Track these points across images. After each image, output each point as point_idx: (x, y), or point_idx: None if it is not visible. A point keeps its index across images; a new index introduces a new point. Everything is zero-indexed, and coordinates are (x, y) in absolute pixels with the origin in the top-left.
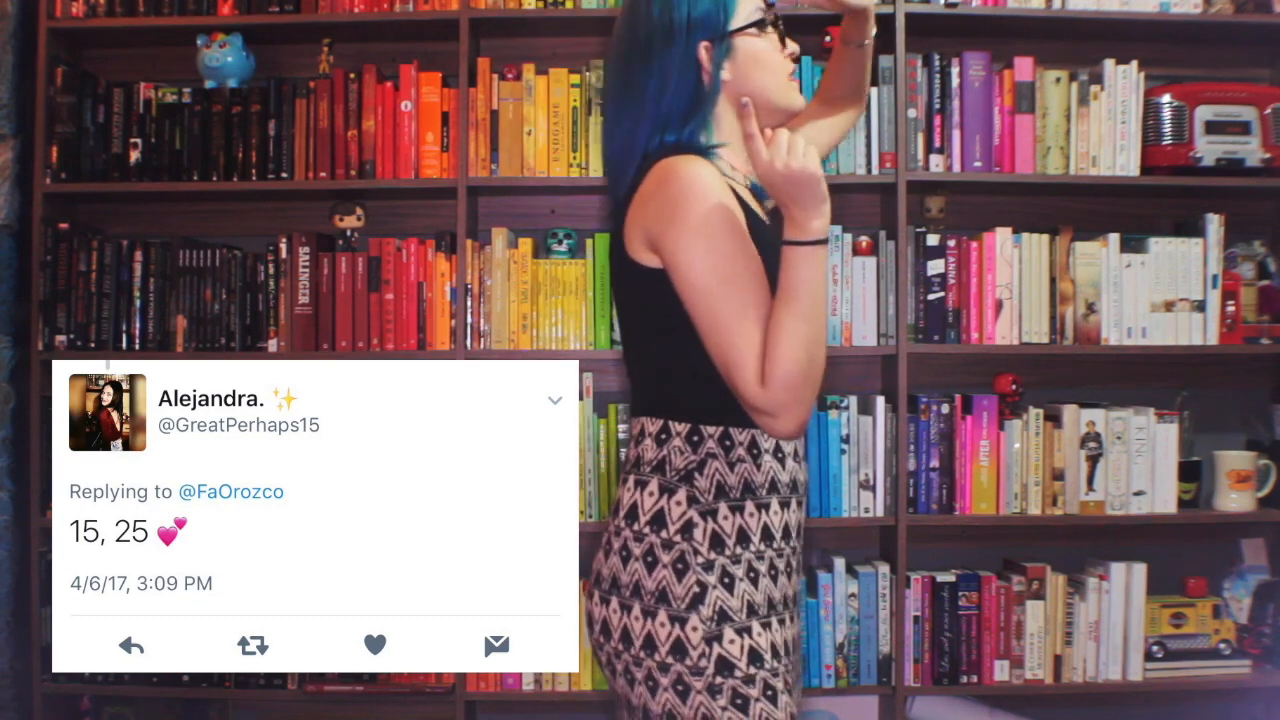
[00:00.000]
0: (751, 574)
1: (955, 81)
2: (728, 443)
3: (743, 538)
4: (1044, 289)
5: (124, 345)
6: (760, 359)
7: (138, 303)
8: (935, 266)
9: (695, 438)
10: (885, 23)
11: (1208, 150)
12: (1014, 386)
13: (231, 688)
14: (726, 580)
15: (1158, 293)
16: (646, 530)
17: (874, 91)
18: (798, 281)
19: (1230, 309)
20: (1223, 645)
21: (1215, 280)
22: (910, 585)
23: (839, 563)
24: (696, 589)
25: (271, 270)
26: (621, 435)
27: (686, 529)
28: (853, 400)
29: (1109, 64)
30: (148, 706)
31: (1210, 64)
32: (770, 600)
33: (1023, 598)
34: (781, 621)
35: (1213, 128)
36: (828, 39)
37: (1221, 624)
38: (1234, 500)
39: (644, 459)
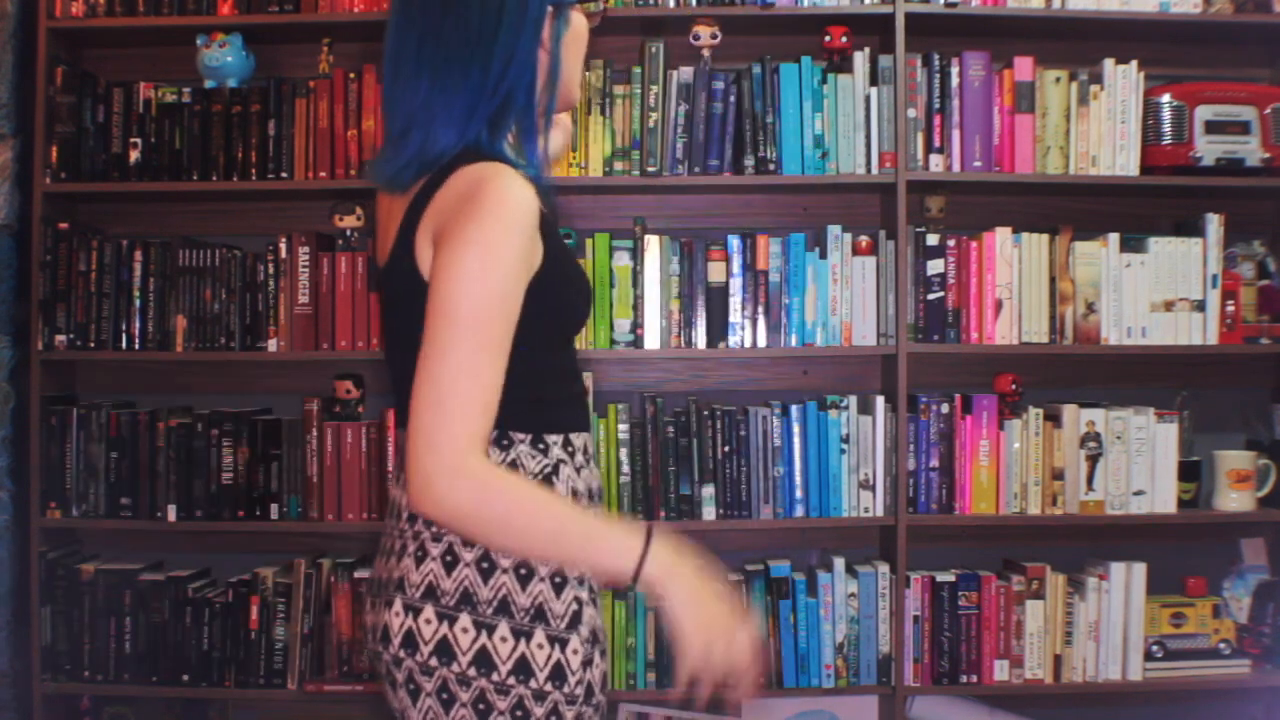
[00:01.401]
0: (557, 577)
1: (955, 81)
2: (540, 445)
3: None
4: (1044, 289)
5: (124, 345)
6: (473, 419)
7: (137, 303)
8: (935, 266)
9: (505, 442)
10: (885, 23)
11: (1207, 150)
12: (1014, 386)
13: (231, 688)
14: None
15: (1158, 292)
16: (443, 531)
17: (874, 91)
18: (579, 539)
19: (1230, 309)
20: (1222, 645)
21: (1215, 280)
22: (910, 585)
23: (839, 562)
24: (501, 589)
25: (271, 270)
26: (622, 435)
27: None
28: (852, 400)
29: (1109, 64)
30: (148, 706)
31: (1210, 64)
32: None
33: (1023, 597)
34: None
35: (1212, 127)
36: (827, 38)
37: (1221, 624)
38: (1234, 500)
39: None
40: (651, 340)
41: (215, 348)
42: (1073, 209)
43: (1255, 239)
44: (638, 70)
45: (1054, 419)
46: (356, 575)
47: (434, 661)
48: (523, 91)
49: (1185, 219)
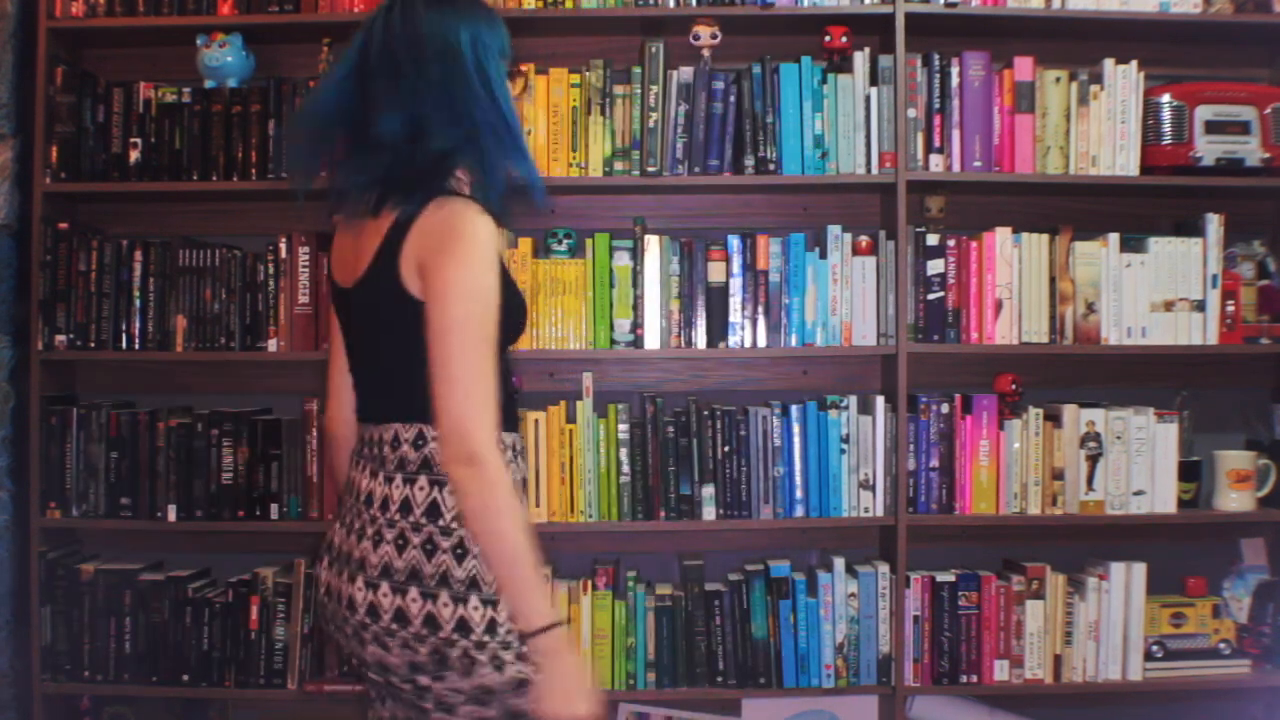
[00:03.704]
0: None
1: (955, 81)
2: (512, 445)
3: None
4: (1044, 289)
5: (124, 345)
6: (483, 404)
7: (137, 302)
8: (935, 266)
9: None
10: (885, 23)
11: (1207, 150)
12: (1014, 386)
13: (231, 688)
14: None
15: (1157, 292)
16: (424, 521)
17: (874, 91)
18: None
19: (1230, 309)
20: (1222, 645)
21: (1215, 280)
22: (910, 585)
23: (839, 562)
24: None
25: (271, 270)
26: (622, 435)
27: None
28: (852, 400)
29: (1109, 64)
30: (148, 706)
31: (1210, 64)
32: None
33: (1022, 597)
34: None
35: (1212, 127)
36: (827, 38)
37: (1221, 624)
38: (1234, 500)
39: (408, 459)
40: (651, 340)
41: (215, 348)
42: (1073, 209)
43: (1255, 239)
44: (638, 70)
45: (1054, 419)
46: None
47: (424, 630)
48: (508, 142)
49: (1185, 219)
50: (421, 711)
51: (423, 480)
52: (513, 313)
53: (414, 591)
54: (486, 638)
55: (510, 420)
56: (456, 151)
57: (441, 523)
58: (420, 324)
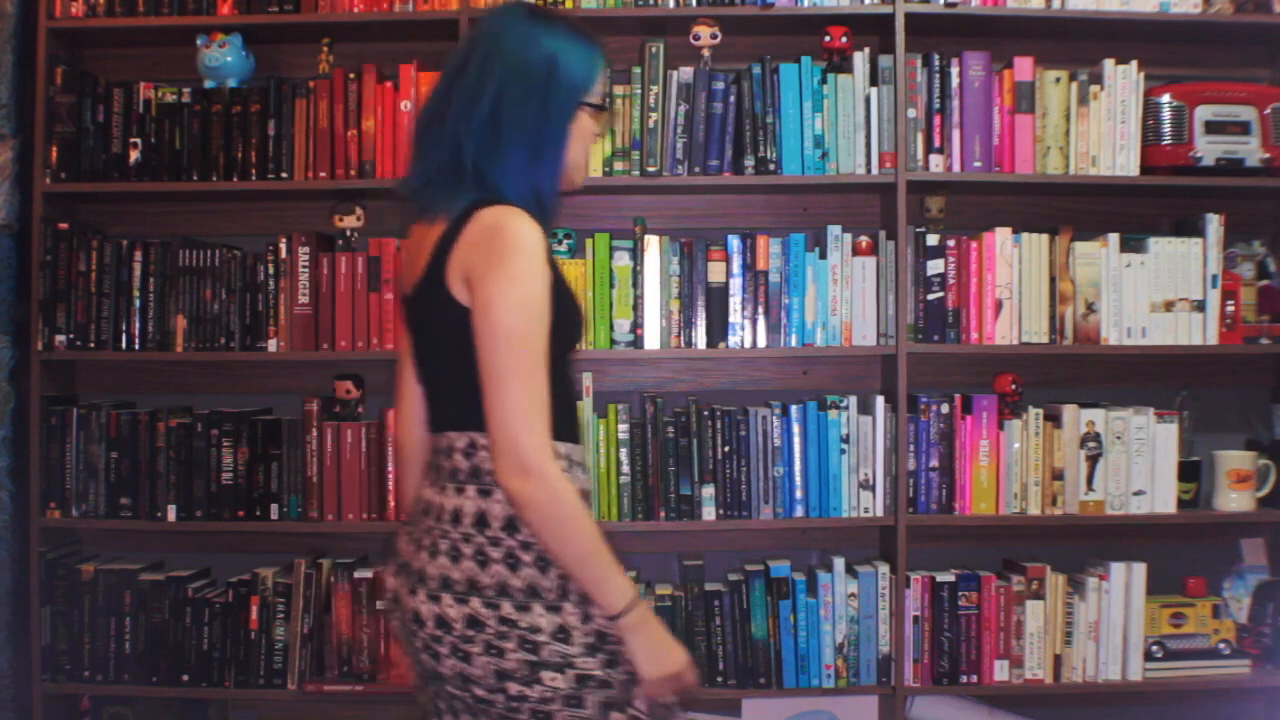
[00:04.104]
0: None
1: (955, 81)
2: (570, 453)
3: None
4: (1044, 289)
5: (124, 345)
6: (534, 416)
7: (137, 303)
8: (935, 266)
9: (560, 444)
10: (885, 23)
11: (1207, 150)
12: (1014, 386)
13: (231, 688)
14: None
15: (1157, 293)
16: (472, 531)
17: (874, 91)
18: (602, 590)
19: (1230, 309)
20: (1222, 645)
21: (1215, 280)
22: (910, 585)
23: (839, 562)
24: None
25: (271, 270)
26: (621, 435)
27: (510, 527)
28: (852, 400)
29: (1109, 64)
30: (148, 706)
31: (1210, 64)
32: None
33: (1022, 598)
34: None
35: (1212, 128)
36: (827, 38)
37: (1221, 624)
38: (1234, 500)
39: (459, 469)
40: (651, 340)
41: (215, 348)
42: (1073, 209)
43: (1255, 239)
44: (638, 70)
45: (1054, 419)
46: (356, 575)
47: (504, 629)
48: (550, 163)
49: (1185, 219)
50: None
51: (471, 490)
52: (566, 319)
53: (476, 601)
54: (555, 643)
55: (569, 430)
56: (493, 163)
57: (489, 533)
58: (468, 332)
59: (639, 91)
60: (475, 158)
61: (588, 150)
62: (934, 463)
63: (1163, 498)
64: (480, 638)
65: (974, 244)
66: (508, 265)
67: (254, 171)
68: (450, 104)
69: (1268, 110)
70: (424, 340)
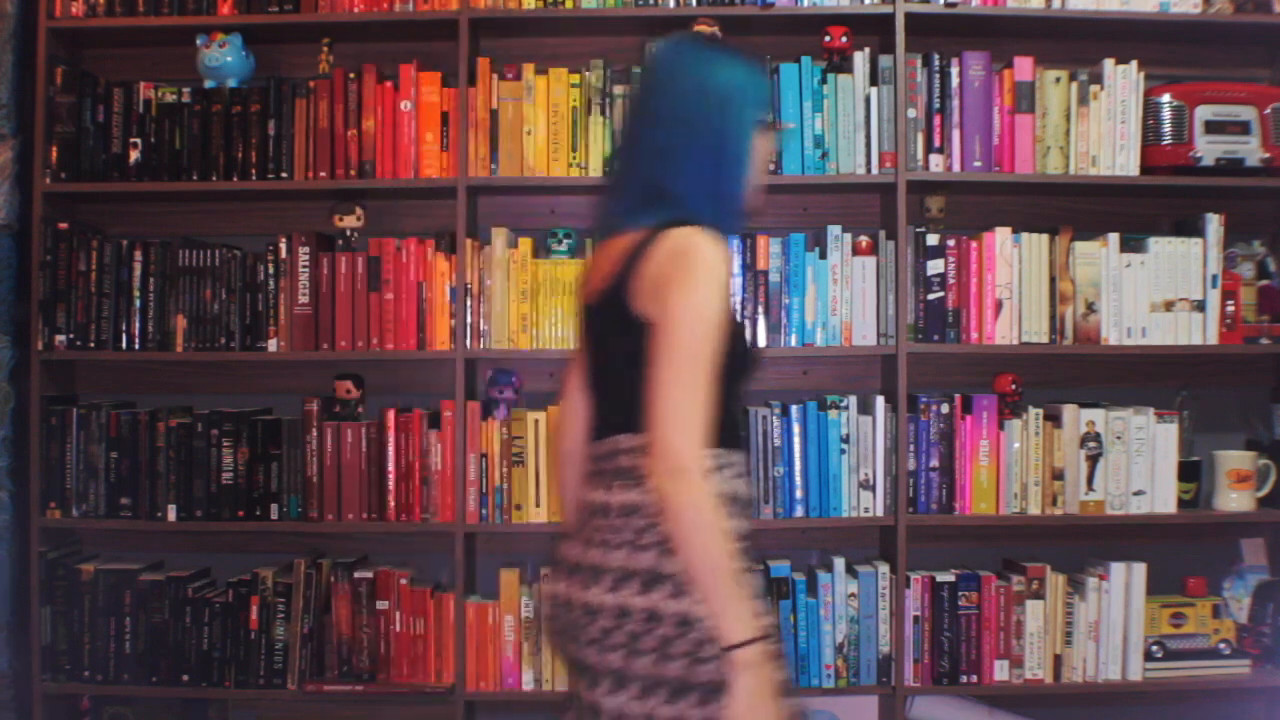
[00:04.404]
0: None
1: (955, 81)
2: (721, 460)
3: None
4: (1044, 289)
5: (124, 345)
6: (691, 423)
7: (137, 303)
8: (935, 266)
9: (721, 450)
10: (885, 23)
11: (1207, 150)
12: (1014, 386)
13: (231, 688)
14: None
15: (1157, 293)
16: (644, 525)
17: (874, 91)
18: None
19: (1230, 309)
20: (1222, 645)
21: (1215, 280)
22: (910, 585)
23: (839, 562)
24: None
25: (271, 270)
26: None
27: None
28: (852, 400)
29: (1109, 64)
30: (148, 706)
31: (1210, 64)
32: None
33: (1022, 598)
34: None
35: (1212, 127)
36: (827, 38)
37: (1221, 624)
38: (1234, 500)
39: (624, 469)
40: None
41: (215, 348)
42: (1073, 209)
43: (1255, 239)
44: (638, 70)
45: (1054, 419)
46: (356, 575)
47: (675, 631)
48: (730, 186)
49: (1185, 219)
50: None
51: (635, 487)
52: (738, 342)
53: (660, 593)
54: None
55: (734, 438)
56: (682, 182)
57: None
58: (641, 342)
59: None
60: (665, 178)
61: (764, 165)
62: (934, 463)
63: (1163, 498)
64: (659, 631)
65: (974, 244)
66: (691, 280)
67: (254, 171)
68: (638, 130)
69: (1268, 110)
70: (599, 349)
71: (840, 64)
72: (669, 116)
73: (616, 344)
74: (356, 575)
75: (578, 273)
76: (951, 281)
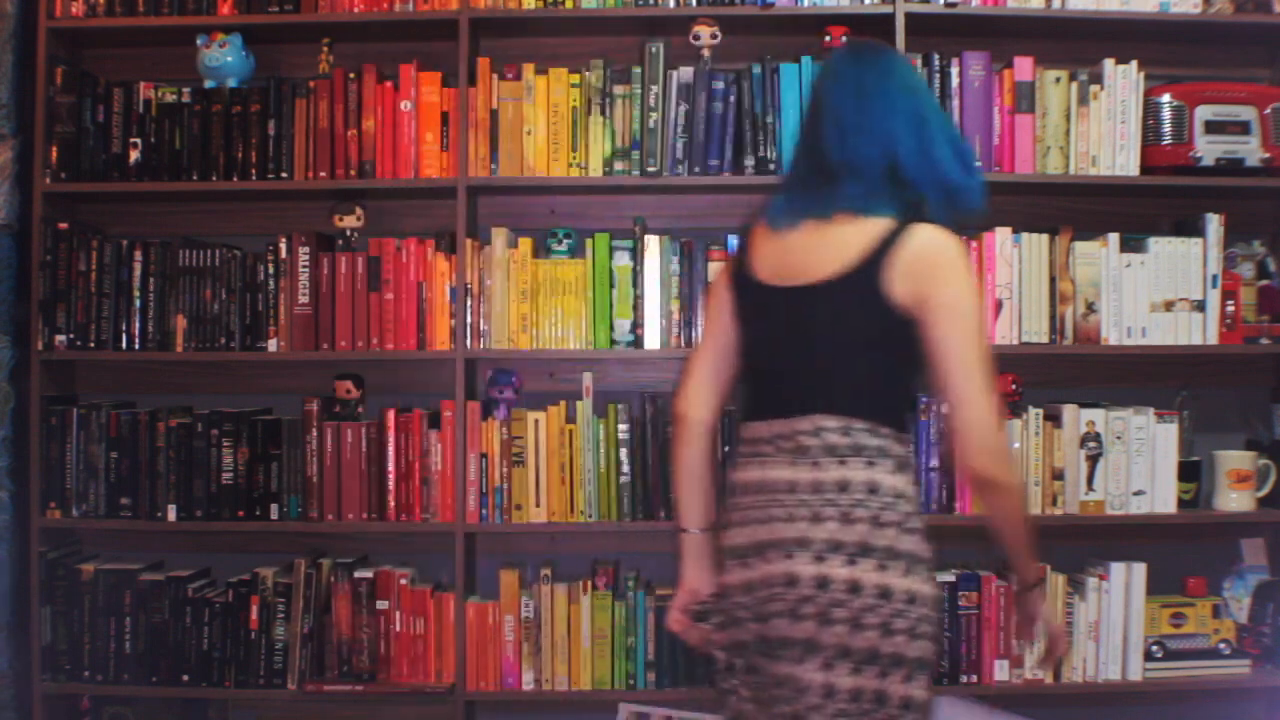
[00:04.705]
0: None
1: (955, 81)
2: (911, 446)
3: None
4: (1044, 289)
5: (124, 345)
6: (996, 407)
7: (137, 303)
8: None
9: (904, 435)
10: (884, 23)
11: (1207, 150)
12: (1014, 386)
13: (231, 688)
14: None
15: (1157, 293)
16: (863, 497)
17: None
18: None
19: (1230, 309)
20: (1222, 645)
21: (1215, 280)
22: None
23: None
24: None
25: (271, 270)
26: (622, 435)
27: (902, 496)
28: None
29: (1109, 64)
30: (148, 706)
31: (1210, 64)
32: None
33: None
34: None
35: (1212, 127)
36: (827, 38)
37: (1221, 624)
38: (1234, 500)
39: (866, 446)
40: (651, 340)
41: (215, 348)
42: (1073, 209)
43: (1255, 239)
44: (638, 70)
45: (1054, 419)
46: (356, 575)
47: (903, 606)
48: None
49: (1185, 219)
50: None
51: (857, 462)
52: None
53: (869, 563)
54: (933, 610)
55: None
56: (928, 169)
57: (885, 499)
58: (890, 326)
59: (639, 91)
60: (911, 167)
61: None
62: (934, 463)
63: (1163, 498)
64: (888, 606)
65: (974, 244)
66: (965, 278)
67: (254, 171)
68: (864, 121)
69: (1268, 110)
70: (801, 329)
71: None
72: (908, 110)
73: (841, 326)
74: (356, 575)
75: (578, 273)
76: None
